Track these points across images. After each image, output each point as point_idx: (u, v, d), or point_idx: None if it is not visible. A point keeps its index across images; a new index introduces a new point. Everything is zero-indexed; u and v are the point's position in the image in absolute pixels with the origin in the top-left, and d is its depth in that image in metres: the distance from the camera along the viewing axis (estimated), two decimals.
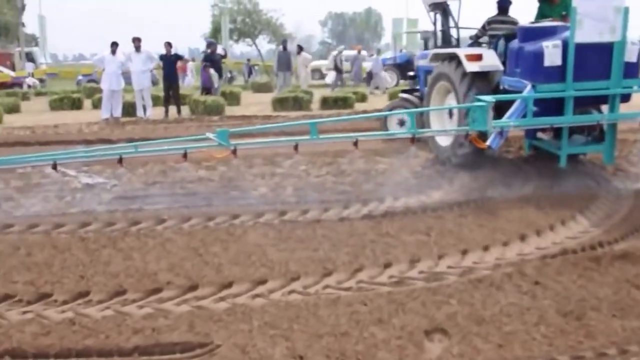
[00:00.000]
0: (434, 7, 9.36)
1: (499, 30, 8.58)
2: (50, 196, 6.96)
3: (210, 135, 6.18)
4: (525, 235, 5.60)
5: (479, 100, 6.59)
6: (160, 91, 17.43)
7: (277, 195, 7.02)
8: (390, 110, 10.61)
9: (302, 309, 3.90)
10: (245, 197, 6.92)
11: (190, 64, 27.63)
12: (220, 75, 19.10)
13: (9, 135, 12.19)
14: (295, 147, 6.48)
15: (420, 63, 10.71)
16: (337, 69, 24.37)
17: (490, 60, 8.06)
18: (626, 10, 6.82)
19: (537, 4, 8.78)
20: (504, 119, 6.76)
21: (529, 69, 7.16)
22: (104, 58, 15.30)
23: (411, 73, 11.78)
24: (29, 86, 25.44)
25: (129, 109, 15.74)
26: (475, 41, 9.09)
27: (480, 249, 5.24)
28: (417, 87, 10.97)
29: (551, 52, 7.01)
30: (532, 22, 7.97)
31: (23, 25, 30.68)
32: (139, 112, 15.52)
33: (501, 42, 8.30)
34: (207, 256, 4.86)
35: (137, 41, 15.40)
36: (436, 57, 9.09)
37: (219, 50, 19.92)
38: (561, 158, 7.26)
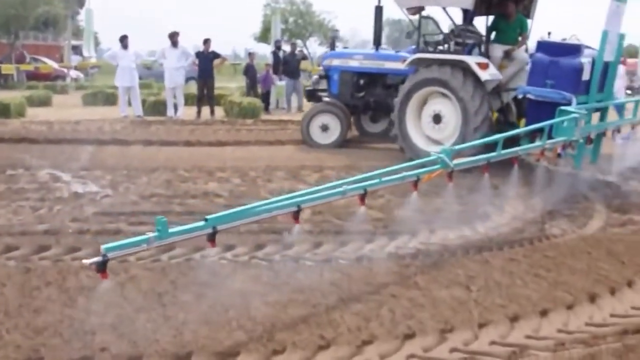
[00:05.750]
0: (415, 10, 9.41)
1: (469, 38, 9.10)
2: (24, 206, 5.95)
3: (435, 154, 4.93)
4: (596, 295, 4.31)
5: (565, 111, 6.66)
6: (187, 89, 16.53)
7: (289, 220, 5.78)
8: (314, 115, 10.61)
9: None
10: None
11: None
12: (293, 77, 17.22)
13: (23, 130, 11.34)
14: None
15: (334, 63, 10.84)
16: None
17: (494, 69, 8.66)
18: (622, 36, 7.93)
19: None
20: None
21: (570, 82, 7.62)
22: (116, 53, 14.50)
23: (321, 73, 11.68)
24: (73, 79, 24.94)
25: (160, 108, 14.86)
26: (436, 48, 9.39)
27: (535, 313, 3.96)
28: (324, 88, 11.24)
29: (587, 68, 7.72)
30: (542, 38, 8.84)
31: (72, 18, 30.37)
32: (169, 112, 14.58)
33: (475, 51, 9.03)
34: (171, 308, 3.70)
35: (175, 36, 14.42)
36: (421, 62, 9.07)
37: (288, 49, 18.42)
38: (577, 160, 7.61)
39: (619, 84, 20.15)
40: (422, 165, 4.91)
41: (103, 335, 3.32)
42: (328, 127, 10.46)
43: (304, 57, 19.52)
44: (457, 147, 5.16)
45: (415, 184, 4.69)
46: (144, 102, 15.24)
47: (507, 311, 3.92)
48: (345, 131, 10.52)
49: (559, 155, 6.91)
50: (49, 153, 8.97)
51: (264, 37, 35.69)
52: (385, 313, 3.78)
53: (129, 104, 14.54)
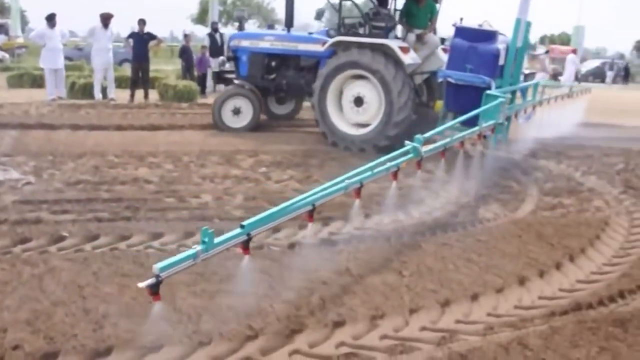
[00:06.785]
0: None
1: (386, 22, 9.10)
2: None
3: (409, 144, 4.83)
4: (525, 278, 4.37)
5: (492, 96, 6.81)
6: (122, 72, 16.02)
7: (220, 206, 5.70)
8: (225, 98, 10.30)
9: None
10: (179, 207, 5.59)
11: None
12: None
13: None
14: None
15: (243, 44, 10.57)
16: None
17: (413, 53, 8.87)
18: (529, 24, 8.20)
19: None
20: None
21: (488, 67, 7.95)
22: (43, 33, 13.79)
23: (229, 54, 11.32)
24: None
25: (91, 90, 14.34)
26: (349, 30, 9.39)
27: (467, 297, 3.97)
28: (232, 70, 11.05)
29: (502, 54, 8.08)
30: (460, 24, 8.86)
31: None
32: (97, 94, 14.07)
33: (391, 34, 9.09)
34: (92, 300, 3.52)
35: (108, 18, 13.90)
36: (341, 45, 9.03)
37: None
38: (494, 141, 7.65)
39: (571, 70, 21.57)
40: (405, 154, 4.85)
41: (16, 332, 3.12)
42: (240, 111, 10.21)
43: None
44: (426, 134, 5.12)
45: (395, 173, 4.66)
46: (73, 84, 14.70)
47: (438, 296, 3.92)
48: (258, 114, 10.34)
49: (484, 137, 7.05)
50: None
51: (201, 18, 35.04)
52: (316, 301, 3.70)
53: (57, 86, 13.99)
